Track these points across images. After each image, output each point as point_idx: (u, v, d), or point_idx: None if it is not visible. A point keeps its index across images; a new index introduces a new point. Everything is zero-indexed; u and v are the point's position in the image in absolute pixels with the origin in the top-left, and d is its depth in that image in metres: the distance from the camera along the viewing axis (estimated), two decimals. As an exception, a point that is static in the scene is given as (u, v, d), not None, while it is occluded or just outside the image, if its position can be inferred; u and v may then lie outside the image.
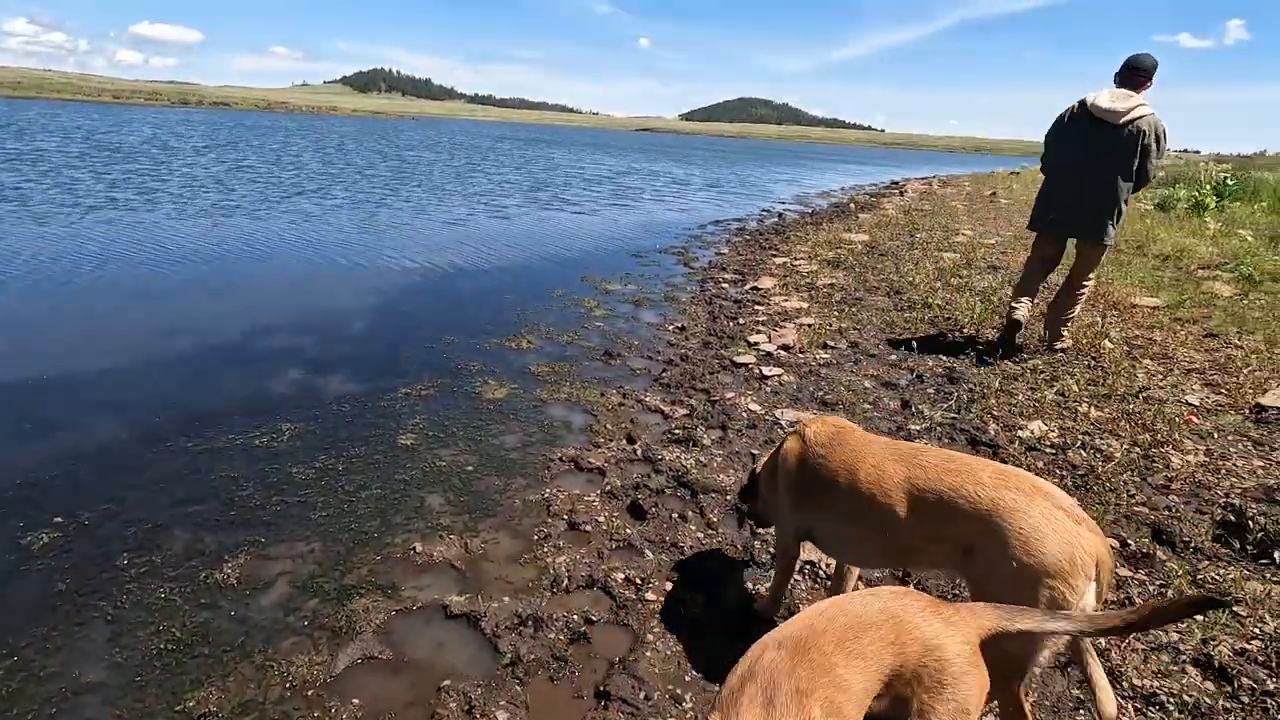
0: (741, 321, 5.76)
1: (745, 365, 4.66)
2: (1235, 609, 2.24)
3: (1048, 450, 3.36)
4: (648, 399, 4.13)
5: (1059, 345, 4.69)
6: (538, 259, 8.57)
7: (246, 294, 6.28)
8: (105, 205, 10.17)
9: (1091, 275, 4.60)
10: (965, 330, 5.32)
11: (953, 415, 3.80)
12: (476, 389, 4.21)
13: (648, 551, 2.57)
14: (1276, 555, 2.48)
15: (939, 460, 1.71)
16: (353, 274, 7.25)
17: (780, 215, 14.22)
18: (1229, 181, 12.38)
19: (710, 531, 2.79)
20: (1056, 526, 1.47)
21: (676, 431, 3.68)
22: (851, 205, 16.52)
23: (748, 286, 7.04)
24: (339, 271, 7.33)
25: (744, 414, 3.88)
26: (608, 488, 3.11)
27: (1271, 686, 1.93)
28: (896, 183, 27.46)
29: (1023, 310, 4.66)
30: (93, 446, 3.33)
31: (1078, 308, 4.68)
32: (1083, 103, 4.36)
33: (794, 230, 11.57)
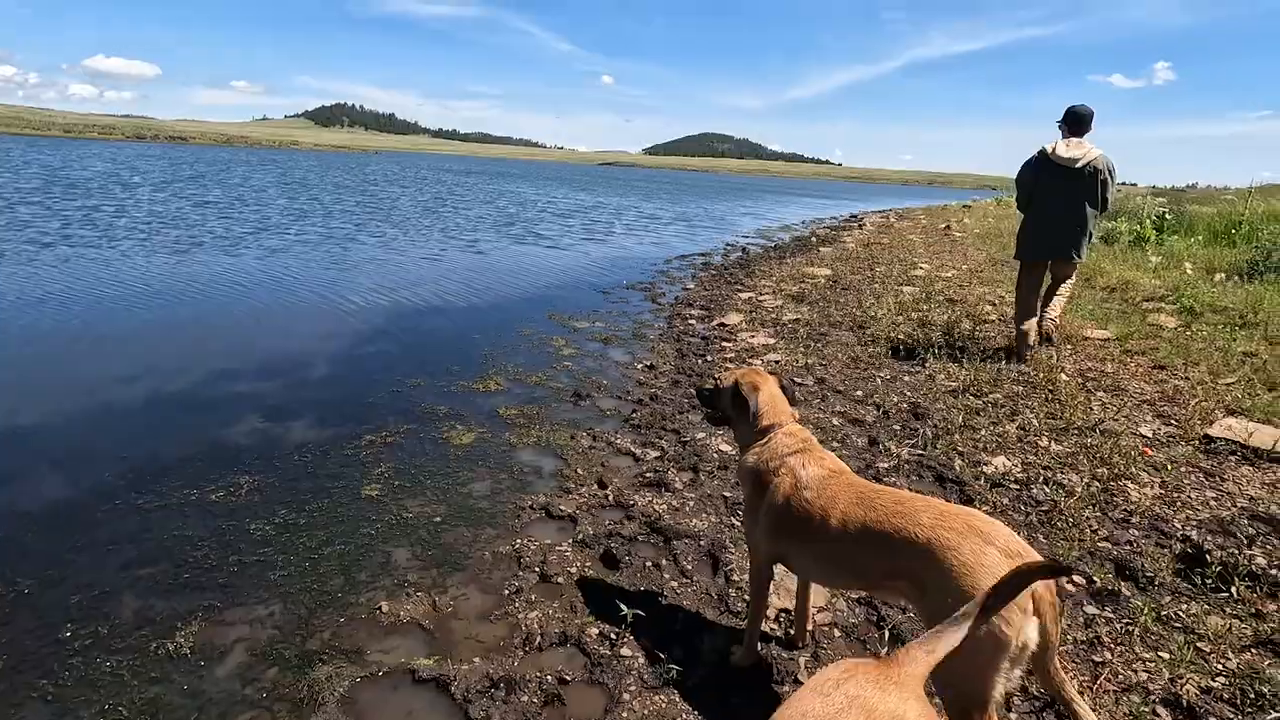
0: (709, 359, 5.80)
1: (715, 404, 4.67)
2: (1199, 645, 2.29)
3: (1012, 486, 3.42)
4: (618, 441, 4.11)
5: (1052, 337, 5.60)
6: (505, 296, 8.54)
7: (205, 336, 6.10)
8: (59, 243, 9.89)
9: (1068, 284, 5.63)
10: (928, 364, 5.43)
11: (919, 452, 3.85)
12: (444, 434, 4.13)
13: (622, 604, 2.52)
14: (1233, 589, 2.55)
15: (889, 503, 1.79)
16: (317, 313, 7.12)
17: (744, 250, 14.46)
18: (1166, 216, 13.04)
19: (685, 580, 2.75)
20: (987, 562, 1.53)
21: (648, 475, 3.65)
22: (813, 239, 16.91)
23: (714, 323, 7.11)
24: (303, 311, 7.19)
25: (715, 455, 3.88)
26: (580, 536, 3.06)
27: (1238, 725, 1.96)
28: (855, 216, 28.27)
29: (1030, 329, 5.40)
30: (35, 506, 3.16)
31: (1059, 310, 5.64)
32: (1043, 152, 5.21)
33: (758, 264, 11.77)
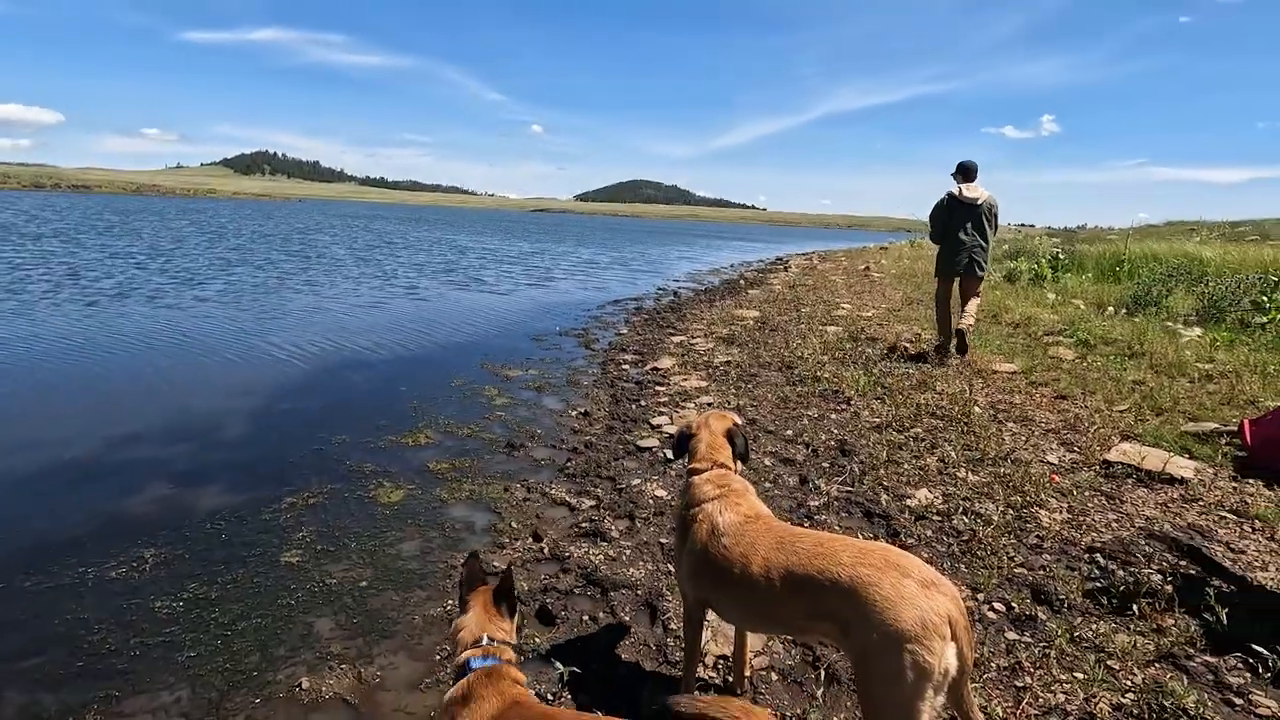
0: (644, 404, 5.84)
1: (649, 449, 4.70)
2: (1109, 663, 2.42)
3: (934, 518, 3.56)
4: (553, 491, 4.06)
5: (965, 339, 6.81)
6: (437, 346, 8.39)
7: (111, 396, 5.72)
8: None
9: (975, 301, 6.94)
10: (853, 402, 5.64)
11: (848, 489, 3.97)
12: (371, 493, 3.98)
13: (557, 661, 2.46)
14: (1136, 606, 2.71)
15: (811, 545, 1.82)
16: (237, 368, 6.79)
17: (675, 293, 14.76)
18: (1060, 255, 14.15)
19: (622, 631, 2.72)
20: (906, 594, 1.58)
21: (584, 525, 3.62)
22: (741, 281, 17.43)
23: (648, 367, 7.18)
24: (222, 366, 6.85)
25: (650, 501, 3.88)
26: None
27: (1147, 739, 2.07)
28: (781, 258, 29.37)
29: (951, 331, 6.91)
30: (-98, 596, 2.85)
31: (971, 319, 6.93)
32: (951, 194, 6.74)
33: (689, 308, 12.02)
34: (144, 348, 7.38)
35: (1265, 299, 7.92)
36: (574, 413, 5.67)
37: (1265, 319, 7.59)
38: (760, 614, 1.94)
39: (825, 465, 4.35)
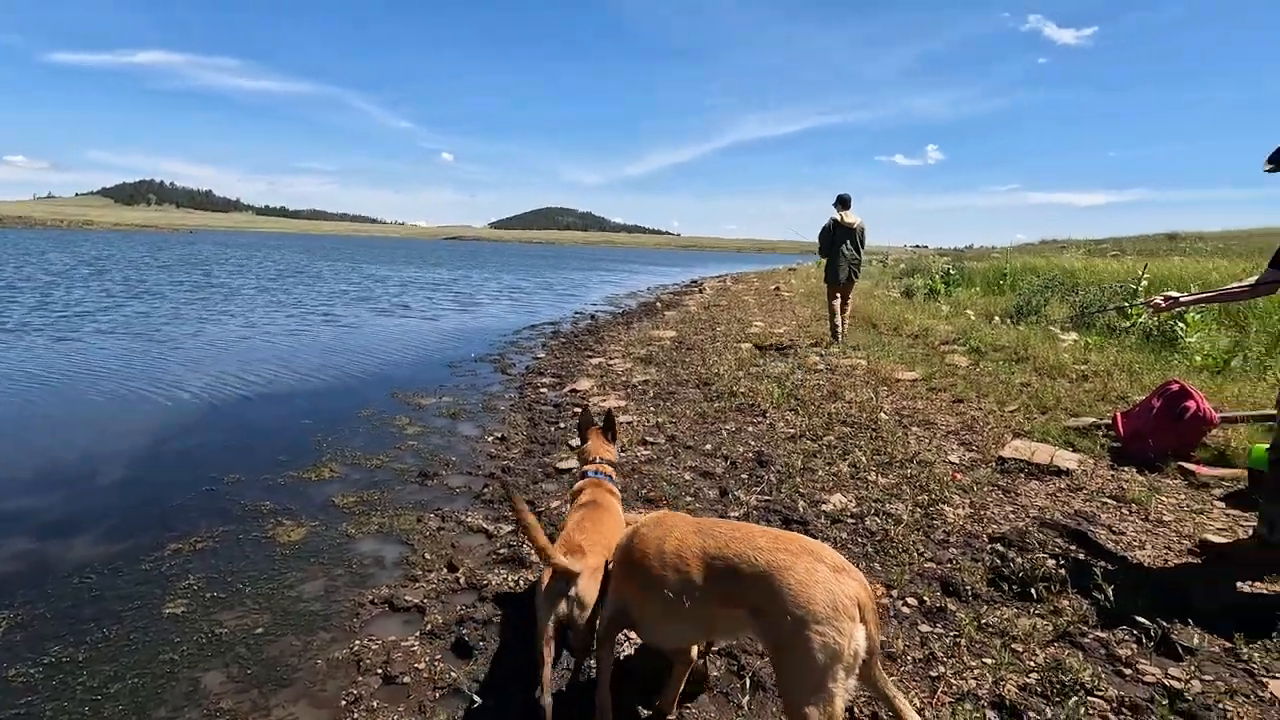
0: (563, 426, 5.75)
1: (569, 471, 4.61)
2: (1014, 646, 2.53)
3: (849, 520, 3.66)
4: (469, 519, 3.90)
5: (842, 338, 8.91)
6: (343, 376, 7.99)
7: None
8: None
9: (850, 302, 9.22)
10: (768, 414, 5.77)
11: (766, 498, 4.03)
12: (268, 532, 3.70)
13: (476, 697, 2.33)
14: (1034, 590, 2.86)
15: (728, 530, 1.87)
16: (118, 407, 6.20)
17: (593, 317, 14.76)
18: (951, 272, 15.16)
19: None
20: (819, 578, 1.64)
21: (501, 551, 3.49)
22: (658, 304, 17.66)
23: (566, 389, 7.10)
24: (101, 406, 6.23)
25: (571, 522, 3.79)
26: (428, 627, 2.83)
27: (1050, 714, 2.17)
28: (696, 281, 30.01)
29: (838, 322, 8.98)
30: None
31: (847, 318, 9.20)
32: (835, 220, 8.63)
33: (607, 330, 12.04)
34: (9, 386, 6.64)
35: (1128, 305, 8.72)
36: (490, 438, 5.51)
37: (1128, 323, 8.36)
38: (675, 608, 1.88)
39: (744, 476, 4.40)
